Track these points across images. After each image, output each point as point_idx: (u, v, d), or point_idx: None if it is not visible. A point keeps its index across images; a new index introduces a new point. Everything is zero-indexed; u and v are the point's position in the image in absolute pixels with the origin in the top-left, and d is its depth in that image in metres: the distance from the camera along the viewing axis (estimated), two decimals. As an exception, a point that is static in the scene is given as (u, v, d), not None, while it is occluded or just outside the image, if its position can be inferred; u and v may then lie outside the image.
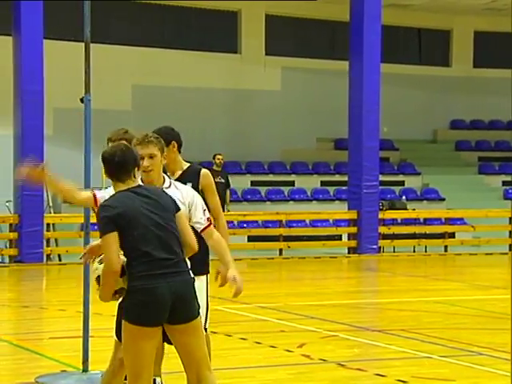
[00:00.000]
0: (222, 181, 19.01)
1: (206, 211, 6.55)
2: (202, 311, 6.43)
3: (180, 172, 6.95)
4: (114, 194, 5.93)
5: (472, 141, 29.78)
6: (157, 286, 5.65)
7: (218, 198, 7.34)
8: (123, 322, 5.71)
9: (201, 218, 6.47)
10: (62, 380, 7.72)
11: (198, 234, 6.36)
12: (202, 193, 7.06)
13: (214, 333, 7.57)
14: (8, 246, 19.01)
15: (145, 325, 5.64)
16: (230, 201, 21.87)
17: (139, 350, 5.68)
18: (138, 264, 5.66)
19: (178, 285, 5.74)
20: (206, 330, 6.61)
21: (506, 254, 22.37)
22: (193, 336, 5.80)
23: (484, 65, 29.10)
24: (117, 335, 6.18)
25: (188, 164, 7.10)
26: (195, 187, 6.93)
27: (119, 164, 5.85)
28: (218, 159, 20.23)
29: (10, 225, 19.13)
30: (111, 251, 5.62)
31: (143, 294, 5.65)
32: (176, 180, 6.73)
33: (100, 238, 5.76)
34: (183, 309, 5.75)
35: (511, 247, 22.87)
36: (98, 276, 5.72)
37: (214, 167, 19.68)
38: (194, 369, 5.87)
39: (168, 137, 6.95)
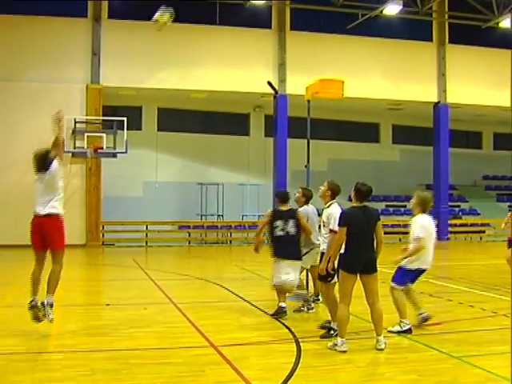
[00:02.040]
0: None
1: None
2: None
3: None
4: (352, 208, 6.39)
5: (493, 185, 30.40)
6: (359, 254, 6.20)
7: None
8: (342, 271, 6.21)
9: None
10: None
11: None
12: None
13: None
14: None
15: (351, 272, 6.21)
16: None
17: (350, 284, 6.26)
18: (354, 243, 6.20)
19: (366, 255, 6.25)
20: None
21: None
22: (370, 279, 6.30)
23: None
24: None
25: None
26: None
27: (364, 193, 6.44)
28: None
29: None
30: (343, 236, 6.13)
31: (353, 257, 6.21)
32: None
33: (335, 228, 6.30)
34: (369, 266, 6.28)
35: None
36: None
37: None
38: (371, 299, 6.37)
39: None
